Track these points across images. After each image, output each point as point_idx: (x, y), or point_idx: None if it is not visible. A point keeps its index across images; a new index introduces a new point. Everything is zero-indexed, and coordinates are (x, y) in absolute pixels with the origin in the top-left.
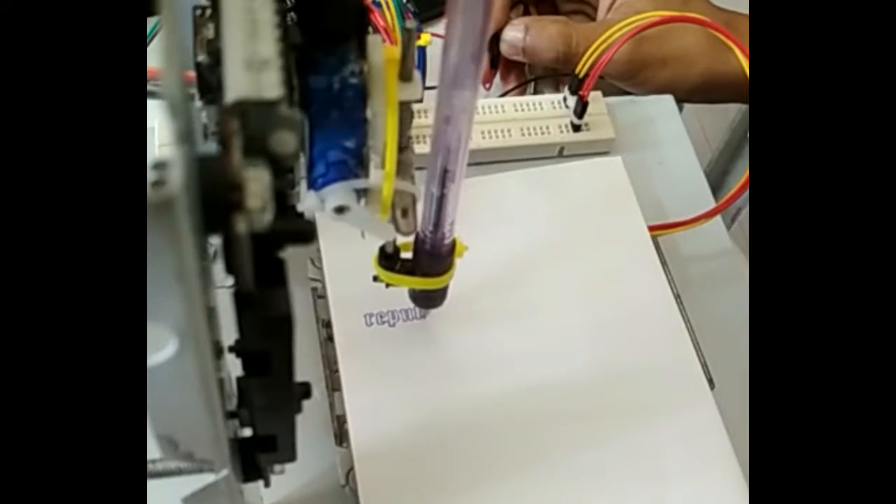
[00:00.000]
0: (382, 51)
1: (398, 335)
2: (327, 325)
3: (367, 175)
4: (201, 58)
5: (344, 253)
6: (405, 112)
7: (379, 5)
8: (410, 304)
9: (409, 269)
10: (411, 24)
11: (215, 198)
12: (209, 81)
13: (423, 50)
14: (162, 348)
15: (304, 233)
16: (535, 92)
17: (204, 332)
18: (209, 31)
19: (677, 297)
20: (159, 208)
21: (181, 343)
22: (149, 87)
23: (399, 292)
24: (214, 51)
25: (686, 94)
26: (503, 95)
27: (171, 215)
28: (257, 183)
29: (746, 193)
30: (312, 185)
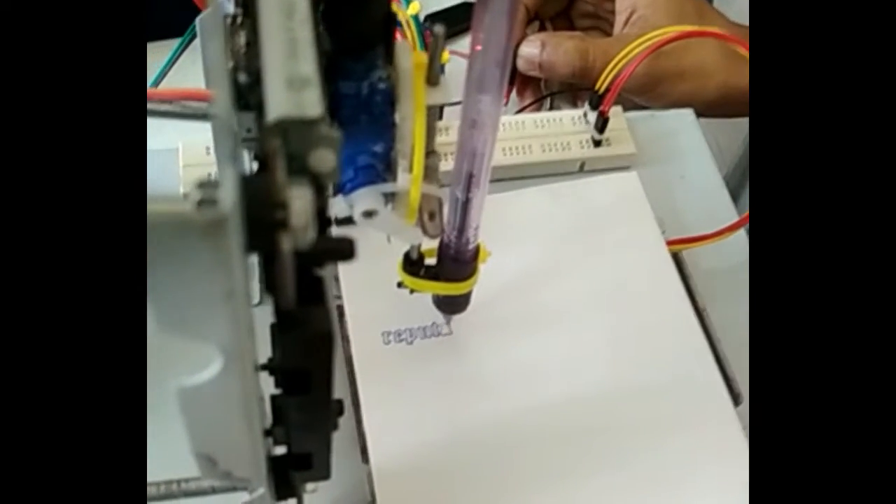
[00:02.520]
0: (410, 56)
1: (416, 353)
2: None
3: (394, 179)
4: (233, 64)
5: (361, 271)
6: (432, 117)
7: (400, 24)
8: (429, 322)
9: (433, 274)
10: (440, 29)
11: (260, 217)
12: (241, 91)
13: (441, 67)
14: (207, 367)
15: (346, 250)
16: (552, 107)
17: (249, 351)
18: (241, 39)
19: (702, 310)
20: (210, 228)
21: (226, 362)
22: (179, 109)
23: (417, 310)
24: (254, 70)
25: (703, 108)
26: (520, 111)
27: (221, 235)
28: (301, 201)
29: None
30: (341, 189)
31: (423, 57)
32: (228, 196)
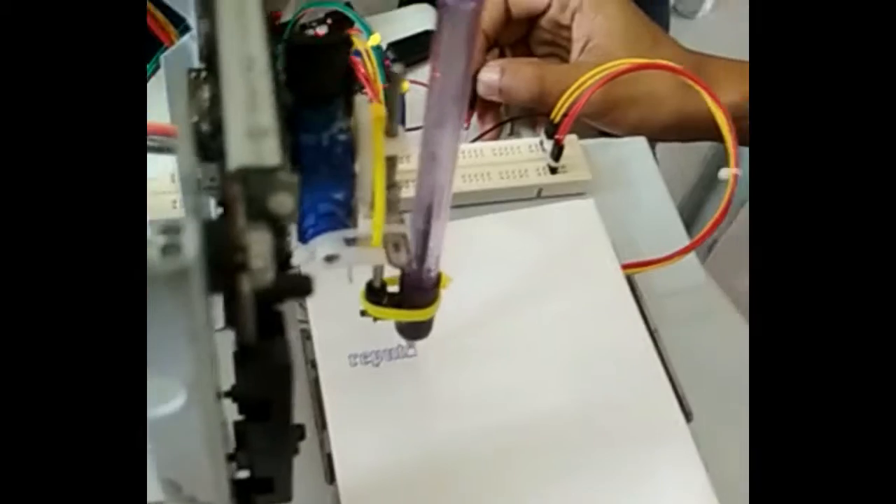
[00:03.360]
0: (369, 109)
1: (383, 375)
2: (315, 365)
3: (355, 225)
4: (196, 119)
5: (328, 295)
6: (391, 166)
7: (359, 55)
8: (395, 344)
9: (395, 302)
10: (398, 78)
11: (222, 260)
12: (204, 141)
13: (402, 96)
14: (171, 400)
15: (304, 288)
16: (512, 131)
17: (211, 385)
18: (204, 93)
19: (654, 332)
20: (174, 276)
21: (189, 395)
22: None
23: (383, 333)
24: (215, 120)
25: (657, 133)
26: (480, 136)
27: (185, 282)
28: (260, 244)
29: (719, 228)
30: (303, 235)
31: (382, 110)
32: (191, 246)
